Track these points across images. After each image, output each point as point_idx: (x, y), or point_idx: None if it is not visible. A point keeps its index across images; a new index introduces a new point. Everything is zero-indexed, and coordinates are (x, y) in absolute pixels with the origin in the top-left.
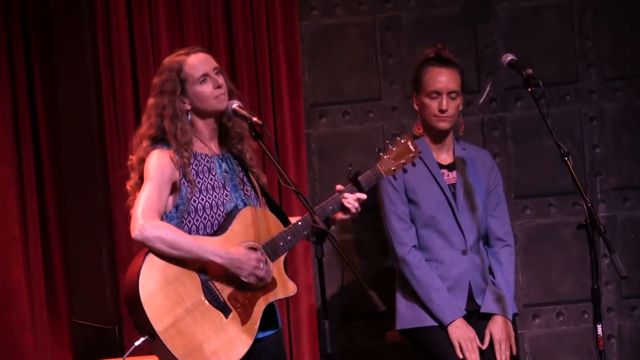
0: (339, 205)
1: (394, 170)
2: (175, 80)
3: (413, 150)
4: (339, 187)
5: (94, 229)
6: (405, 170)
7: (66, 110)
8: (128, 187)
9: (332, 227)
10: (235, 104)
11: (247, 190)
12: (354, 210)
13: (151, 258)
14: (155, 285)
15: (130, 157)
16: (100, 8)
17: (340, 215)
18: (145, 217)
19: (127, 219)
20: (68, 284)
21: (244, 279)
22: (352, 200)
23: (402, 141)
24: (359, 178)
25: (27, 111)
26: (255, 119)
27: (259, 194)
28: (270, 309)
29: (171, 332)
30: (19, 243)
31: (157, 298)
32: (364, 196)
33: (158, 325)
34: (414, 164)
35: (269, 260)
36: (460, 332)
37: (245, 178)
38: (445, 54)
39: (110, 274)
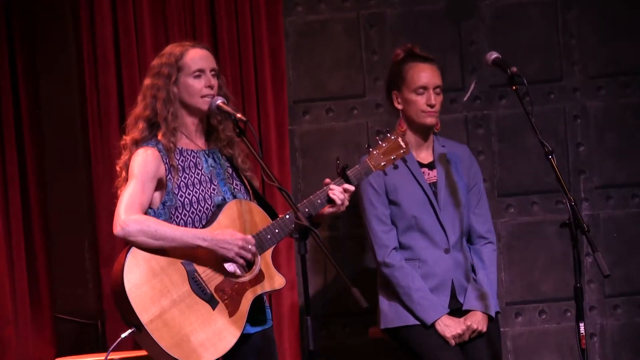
0: (327, 198)
1: (384, 165)
2: (173, 65)
3: (404, 146)
4: (327, 180)
5: (76, 223)
6: (396, 166)
7: (49, 105)
8: (117, 168)
9: (319, 226)
10: (219, 100)
11: (236, 185)
12: (339, 202)
13: (135, 250)
14: (141, 277)
15: (124, 137)
16: (84, 2)
17: (327, 209)
18: (127, 213)
19: (110, 212)
20: (50, 279)
21: (231, 259)
22: (337, 192)
23: (393, 137)
24: (348, 172)
25: (10, 105)
26: (239, 115)
27: (249, 189)
28: (259, 305)
29: (157, 324)
30: (1, 237)
31: (142, 289)
32: (351, 188)
33: (144, 317)
34: (404, 160)
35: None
36: (453, 327)
37: (234, 173)
38: (418, 51)
39: (92, 268)
